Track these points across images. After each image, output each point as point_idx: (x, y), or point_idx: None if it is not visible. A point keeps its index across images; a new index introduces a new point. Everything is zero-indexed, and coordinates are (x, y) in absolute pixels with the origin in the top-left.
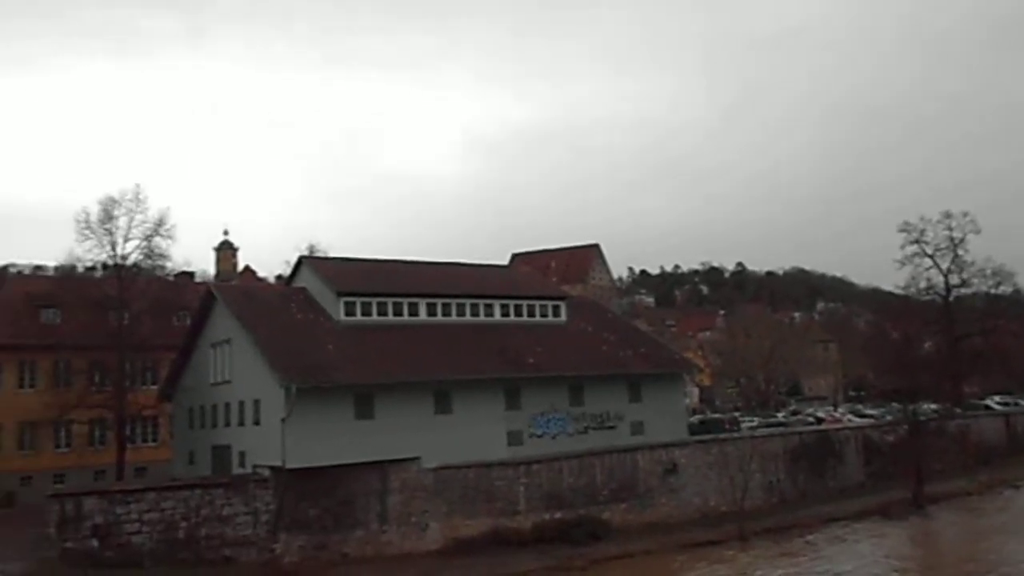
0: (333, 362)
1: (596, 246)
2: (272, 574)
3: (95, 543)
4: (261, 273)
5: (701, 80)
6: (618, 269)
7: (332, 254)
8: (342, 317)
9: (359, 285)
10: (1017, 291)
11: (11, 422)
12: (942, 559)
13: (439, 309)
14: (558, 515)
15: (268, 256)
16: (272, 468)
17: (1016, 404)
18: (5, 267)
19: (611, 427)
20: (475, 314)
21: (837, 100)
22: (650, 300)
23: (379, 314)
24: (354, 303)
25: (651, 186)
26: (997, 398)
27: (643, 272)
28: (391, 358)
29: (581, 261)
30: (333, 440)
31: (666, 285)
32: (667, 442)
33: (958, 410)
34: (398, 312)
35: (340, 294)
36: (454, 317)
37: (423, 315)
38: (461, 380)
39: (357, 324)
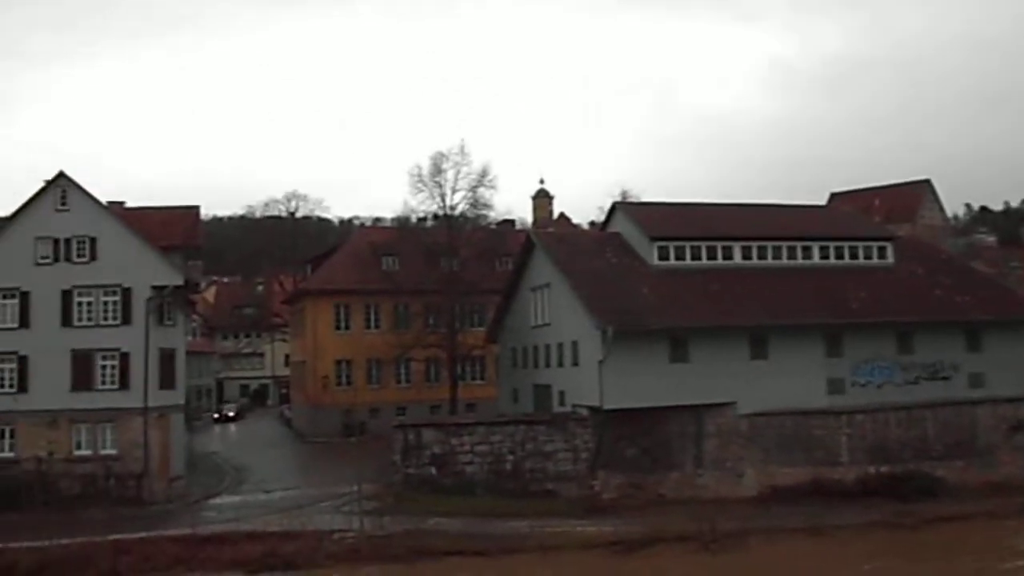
0: (648, 306)
1: (926, 182)
2: (592, 509)
3: (433, 470)
4: (575, 220)
5: None
6: (953, 206)
7: (644, 199)
8: (656, 261)
9: (672, 229)
10: None
11: (361, 359)
12: None
13: (754, 252)
14: (884, 469)
15: (581, 203)
16: (590, 408)
17: None
18: (350, 219)
19: (945, 378)
20: (792, 257)
21: None
22: (991, 239)
23: (692, 258)
24: (667, 247)
25: (989, 114)
26: None
27: (983, 209)
28: (705, 302)
29: (909, 199)
30: (648, 382)
31: (1010, 222)
32: (1013, 396)
33: None
34: (712, 256)
35: (653, 239)
36: (770, 260)
37: (738, 259)
38: (778, 325)
39: (671, 268)
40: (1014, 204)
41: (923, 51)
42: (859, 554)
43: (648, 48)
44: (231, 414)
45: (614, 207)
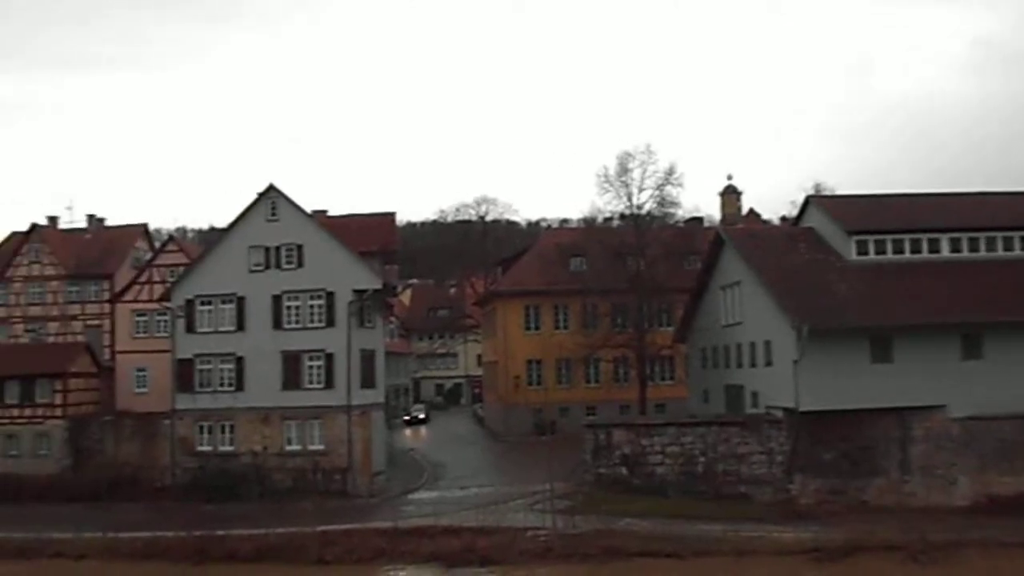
0: (845, 303)
1: None
2: (788, 514)
3: (624, 470)
4: (765, 215)
5: None
6: None
7: (838, 193)
8: (853, 256)
9: (871, 222)
10: None
11: (550, 359)
12: None
13: (965, 244)
14: None
15: (771, 199)
16: (785, 409)
17: None
18: (538, 221)
19: None
20: (1009, 248)
21: None
22: None
23: (895, 252)
24: (866, 241)
25: None
26: None
27: None
28: (910, 298)
29: None
30: (847, 383)
31: None
32: None
33: None
34: (916, 249)
35: (851, 232)
36: (983, 253)
37: (946, 251)
38: (994, 322)
39: (870, 263)
40: None
41: None
42: None
43: (838, 32)
44: (421, 416)
45: (807, 201)
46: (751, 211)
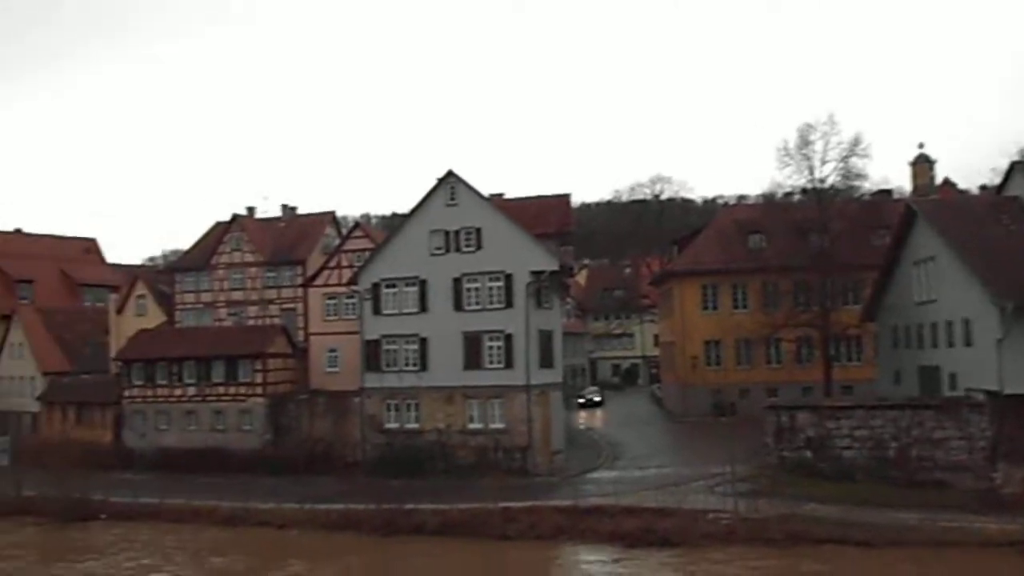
0: None
1: None
2: (991, 504)
3: (808, 454)
4: (963, 186)
5: None
6: None
7: None
8: None
9: None
10: None
11: (729, 339)
12: None
13: None
14: None
15: (969, 168)
16: (987, 392)
17: None
18: (714, 199)
19: None
20: None
21: None
22: None
23: None
24: None
25: None
26: None
27: None
28: None
29: None
30: None
31: None
32: None
33: None
34: None
35: None
36: None
37: None
38: None
39: None
40: None
41: None
42: None
43: None
44: (596, 399)
45: (1012, 167)
46: (946, 181)
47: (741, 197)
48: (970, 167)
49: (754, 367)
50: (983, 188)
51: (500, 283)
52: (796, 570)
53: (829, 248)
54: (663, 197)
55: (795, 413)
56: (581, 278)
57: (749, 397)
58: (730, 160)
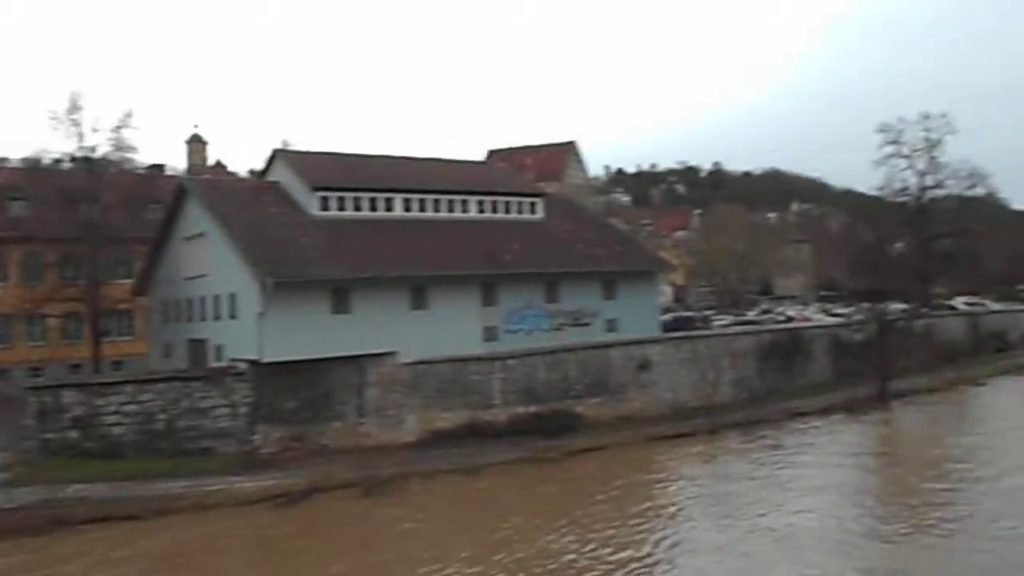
0: (309, 256)
1: (572, 144)
2: (251, 464)
3: (75, 434)
4: (234, 168)
5: None
6: (595, 168)
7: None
8: (317, 211)
9: (334, 179)
10: (990, 193)
11: None
12: (898, 449)
13: (415, 204)
14: (532, 409)
15: (246, 153)
16: (250, 362)
17: (981, 305)
18: None
19: (585, 324)
20: (452, 210)
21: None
22: (627, 199)
23: (355, 209)
24: (329, 197)
25: (631, 84)
26: (963, 299)
27: (620, 171)
28: (367, 253)
29: (557, 159)
30: (310, 334)
31: (642, 184)
32: (640, 339)
33: (925, 310)
34: (374, 207)
35: (315, 188)
36: (431, 213)
37: (399, 210)
38: (437, 276)
39: (333, 219)
40: (645, 167)
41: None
42: (508, 487)
43: None
44: None
45: (274, 155)
46: (218, 162)
47: (1, 160)
48: (250, 153)
49: (15, 346)
50: (252, 172)
51: None
52: (50, 557)
53: (100, 219)
54: None
55: (60, 392)
56: None
57: (8, 378)
58: None
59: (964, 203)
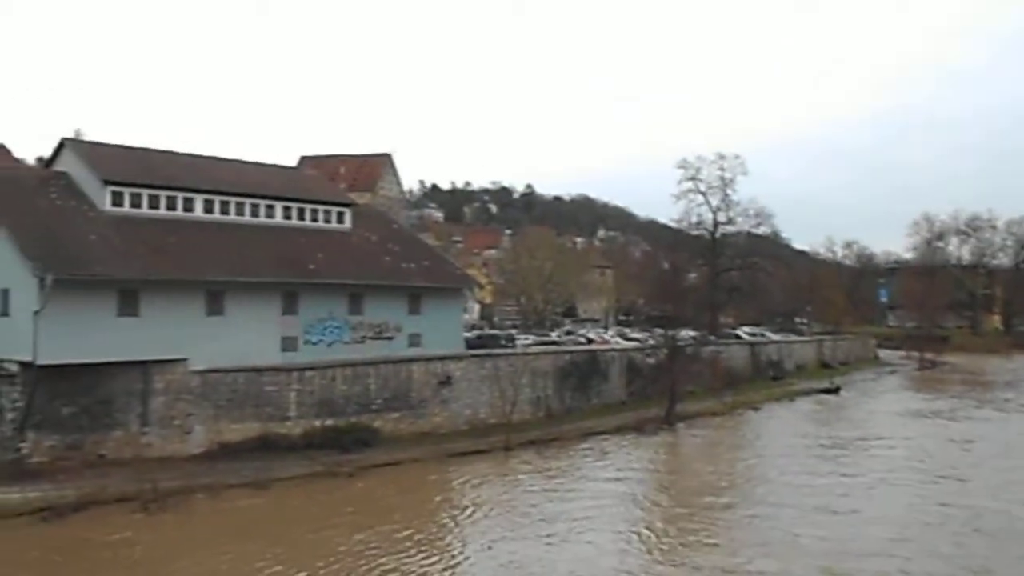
0: (95, 254)
1: (388, 156)
2: (17, 474)
3: None
4: (22, 155)
5: None
6: (409, 182)
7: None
8: (108, 207)
9: (129, 174)
10: (774, 232)
11: None
12: (680, 467)
13: (217, 206)
14: (329, 422)
15: (39, 140)
16: (21, 364)
17: (762, 335)
18: None
19: (389, 338)
20: (255, 214)
21: None
22: (439, 215)
23: (150, 207)
24: (122, 193)
25: (449, 101)
26: (747, 329)
27: (434, 186)
28: (161, 254)
29: (372, 170)
30: (92, 337)
31: (456, 201)
32: (443, 354)
33: (713, 338)
34: (172, 206)
35: (107, 182)
36: (233, 216)
37: (199, 211)
38: (235, 281)
39: (125, 216)
40: (459, 185)
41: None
42: (296, 506)
43: None
44: None
45: (62, 144)
46: (1, 147)
47: None
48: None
49: None
50: (40, 160)
51: None
52: None
53: None
54: None
55: None
56: None
57: None
58: None
59: (752, 239)
